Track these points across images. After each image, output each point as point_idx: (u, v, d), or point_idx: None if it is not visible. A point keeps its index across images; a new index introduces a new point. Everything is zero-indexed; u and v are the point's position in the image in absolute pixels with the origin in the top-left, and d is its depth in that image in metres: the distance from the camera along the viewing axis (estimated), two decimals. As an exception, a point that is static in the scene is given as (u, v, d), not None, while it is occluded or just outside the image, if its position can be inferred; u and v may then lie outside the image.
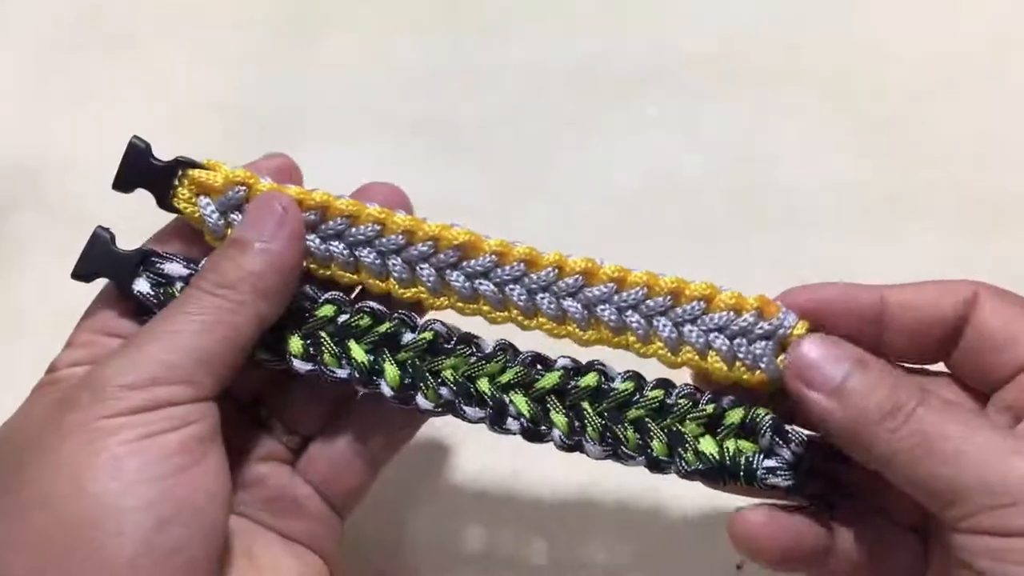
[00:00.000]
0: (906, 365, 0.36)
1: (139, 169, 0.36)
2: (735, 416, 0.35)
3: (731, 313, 0.35)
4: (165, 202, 0.36)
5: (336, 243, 0.36)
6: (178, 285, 0.36)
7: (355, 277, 0.36)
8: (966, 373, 0.35)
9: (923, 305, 0.35)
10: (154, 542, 0.30)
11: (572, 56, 0.53)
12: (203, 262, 0.35)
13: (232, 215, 0.36)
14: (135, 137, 0.36)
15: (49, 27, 0.55)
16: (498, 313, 0.36)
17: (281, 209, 0.35)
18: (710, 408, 0.35)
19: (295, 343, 0.36)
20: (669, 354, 0.36)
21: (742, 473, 0.35)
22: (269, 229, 0.35)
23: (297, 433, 0.38)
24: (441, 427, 0.43)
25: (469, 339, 0.37)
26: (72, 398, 0.32)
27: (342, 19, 0.55)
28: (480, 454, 0.45)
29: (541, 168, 0.51)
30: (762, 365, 0.35)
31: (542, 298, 0.36)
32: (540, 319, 0.36)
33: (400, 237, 0.36)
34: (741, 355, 0.35)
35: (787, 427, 0.35)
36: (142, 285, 0.36)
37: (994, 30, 0.53)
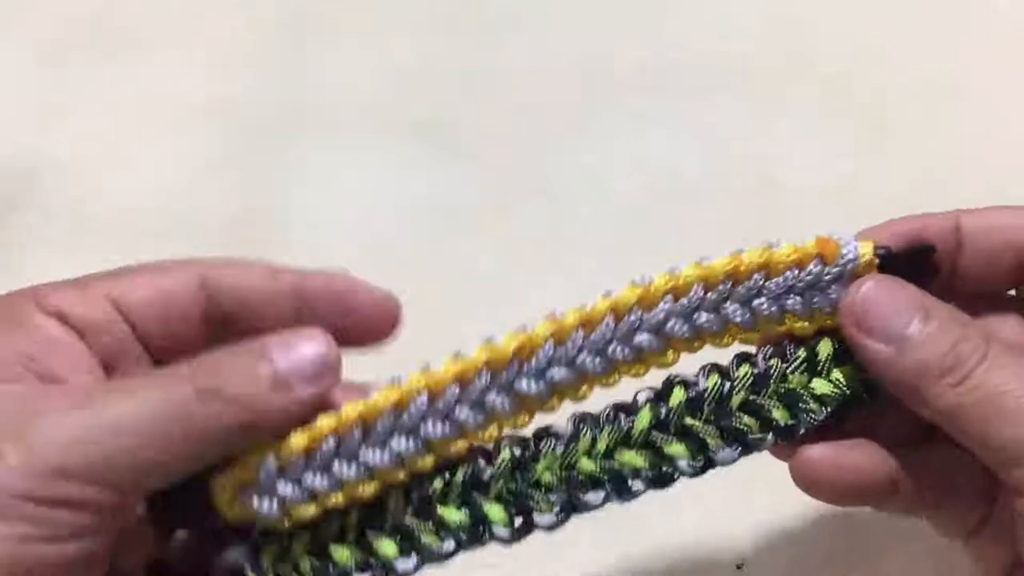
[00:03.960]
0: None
1: (183, 511, 0.31)
2: (826, 348, 0.33)
3: (795, 270, 0.33)
4: (215, 526, 0.31)
5: (402, 439, 0.31)
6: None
7: (426, 463, 0.32)
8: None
9: (999, 229, 0.34)
10: None
11: (572, 57, 0.53)
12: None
13: (283, 487, 0.30)
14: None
15: (49, 27, 0.55)
16: (584, 388, 0.33)
17: (329, 351, 0.30)
18: (802, 353, 0.33)
19: (388, 546, 0.31)
20: (748, 334, 0.34)
21: (866, 394, 0.33)
22: (304, 363, 0.29)
23: None
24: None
25: (542, 434, 0.33)
26: None
27: (342, 20, 0.55)
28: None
29: (541, 169, 0.51)
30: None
31: (614, 350, 0.32)
32: (620, 370, 0.33)
33: (454, 389, 0.31)
34: (817, 305, 0.33)
35: None
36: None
37: (995, 30, 0.53)
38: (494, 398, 0.32)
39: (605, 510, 0.33)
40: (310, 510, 0.31)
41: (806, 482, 0.33)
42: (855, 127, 0.51)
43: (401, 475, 0.31)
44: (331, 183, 0.51)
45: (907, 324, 0.31)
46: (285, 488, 0.30)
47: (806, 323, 0.34)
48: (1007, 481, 0.30)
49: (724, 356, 0.34)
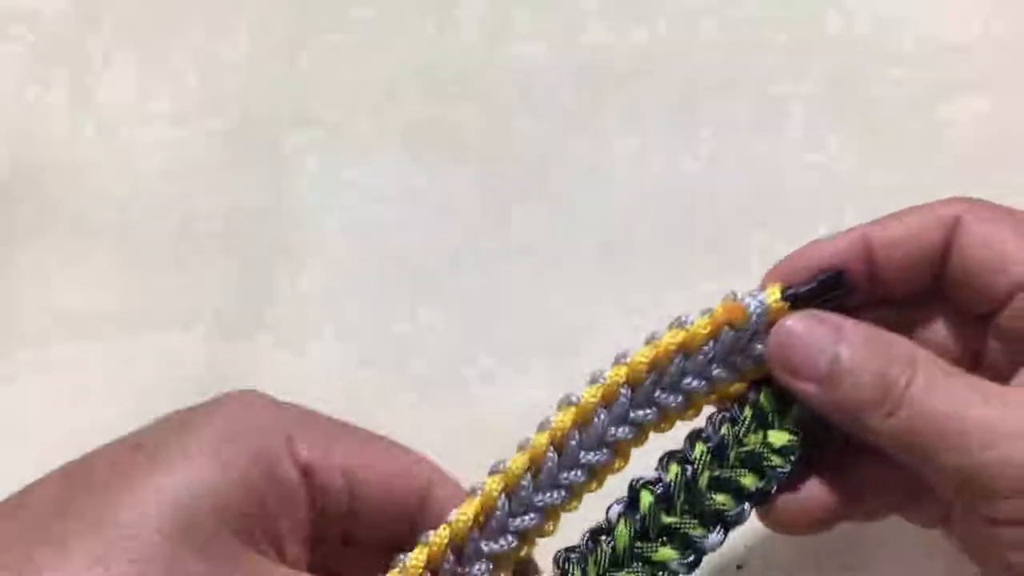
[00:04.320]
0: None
1: None
2: (767, 398, 0.33)
3: (711, 343, 0.33)
4: None
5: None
6: None
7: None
8: (958, 300, 0.33)
9: (907, 239, 0.33)
10: None
11: (573, 56, 0.53)
12: None
13: None
14: None
15: (49, 27, 0.55)
16: (550, 524, 0.33)
17: None
18: (748, 412, 0.33)
19: None
20: (685, 414, 0.34)
21: (823, 428, 0.33)
22: None
23: None
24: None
25: None
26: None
27: (342, 20, 0.55)
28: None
29: (542, 169, 0.51)
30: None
31: (566, 477, 0.33)
32: (579, 493, 0.33)
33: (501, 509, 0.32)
34: (743, 365, 0.34)
35: None
36: None
37: (997, 31, 0.53)
38: (465, 568, 0.32)
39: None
40: None
41: (775, 527, 0.33)
42: (855, 127, 0.51)
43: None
44: (331, 183, 0.51)
45: (829, 360, 0.31)
46: None
47: (738, 384, 0.34)
48: (961, 505, 0.30)
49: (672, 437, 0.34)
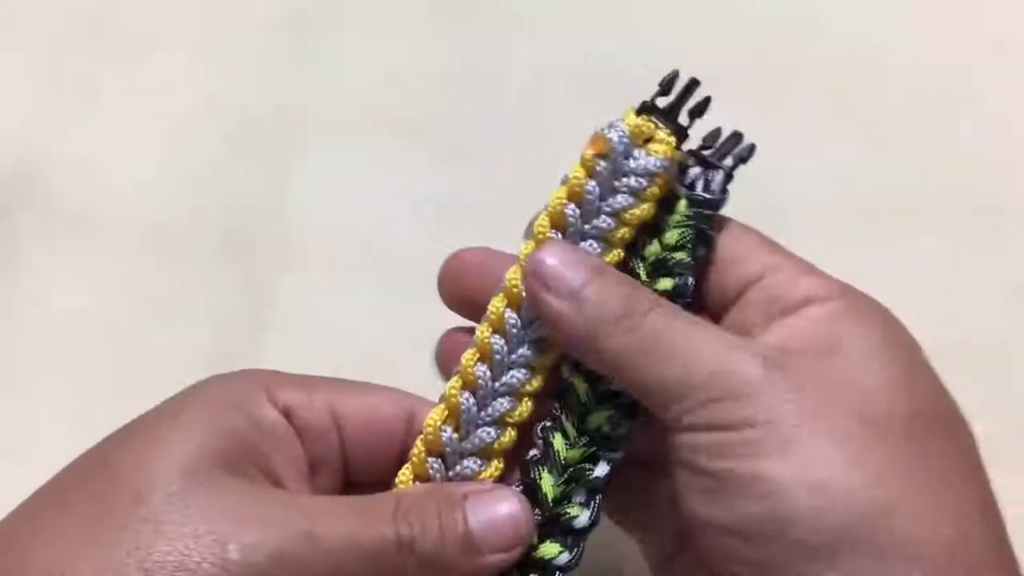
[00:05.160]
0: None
1: None
2: (650, 213, 0.34)
3: (592, 183, 0.34)
4: None
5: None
6: None
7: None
8: (703, 301, 0.35)
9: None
10: None
11: (574, 58, 0.53)
12: None
13: None
14: None
15: (50, 27, 0.55)
16: (520, 409, 0.34)
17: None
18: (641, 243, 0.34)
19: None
20: (612, 253, 0.34)
21: (705, 217, 0.34)
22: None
23: None
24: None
25: (528, 464, 0.34)
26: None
27: (343, 20, 0.55)
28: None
29: (541, 169, 0.51)
30: (656, 167, 0.34)
31: (520, 356, 0.34)
32: (539, 370, 0.34)
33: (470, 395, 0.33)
34: (639, 186, 0.34)
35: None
36: None
37: (997, 32, 0.53)
38: (455, 471, 0.33)
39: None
40: None
41: None
42: (855, 127, 0.51)
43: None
44: (331, 183, 0.51)
45: (583, 281, 0.32)
46: None
47: (644, 206, 0.34)
48: (668, 424, 0.31)
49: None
